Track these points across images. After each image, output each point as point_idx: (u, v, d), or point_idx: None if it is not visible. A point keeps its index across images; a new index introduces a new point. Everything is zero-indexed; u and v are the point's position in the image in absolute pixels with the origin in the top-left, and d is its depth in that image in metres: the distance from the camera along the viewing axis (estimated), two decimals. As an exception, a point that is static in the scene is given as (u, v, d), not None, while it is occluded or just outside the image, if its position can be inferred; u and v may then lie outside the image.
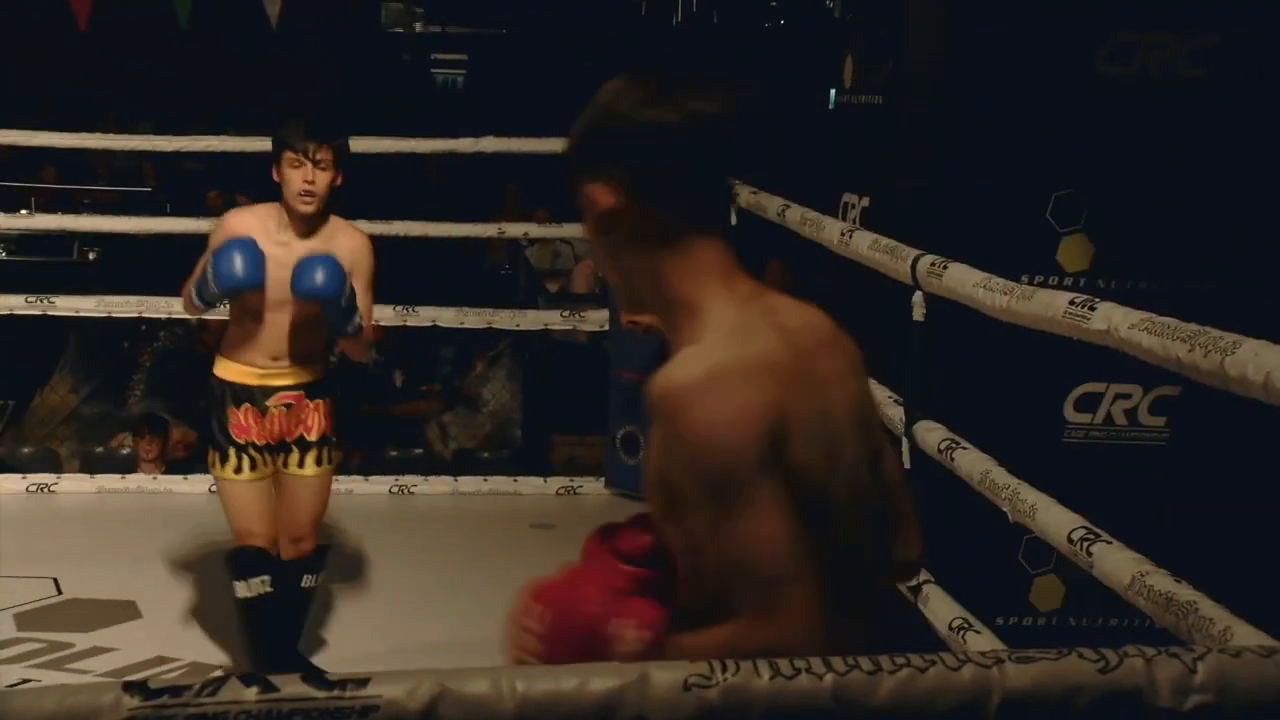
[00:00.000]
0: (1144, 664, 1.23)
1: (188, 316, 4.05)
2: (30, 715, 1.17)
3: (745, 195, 4.67)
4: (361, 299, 3.84)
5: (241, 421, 3.94)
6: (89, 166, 11.73)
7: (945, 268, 3.10)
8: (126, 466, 6.53)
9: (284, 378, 3.94)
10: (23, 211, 7.72)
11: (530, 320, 6.40)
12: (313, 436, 3.99)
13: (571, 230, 7.17)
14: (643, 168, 1.63)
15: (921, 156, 4.08)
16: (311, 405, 3.98)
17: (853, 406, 1.64)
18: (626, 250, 1.68)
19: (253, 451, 3.96)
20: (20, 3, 7.60)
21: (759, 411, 1.52)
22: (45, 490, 5.86)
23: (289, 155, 3.76)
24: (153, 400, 7.51)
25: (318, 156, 3.77)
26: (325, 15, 10.96)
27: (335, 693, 1.22)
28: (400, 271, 8.05)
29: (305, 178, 3.76)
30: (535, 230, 7.07)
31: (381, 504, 5.95)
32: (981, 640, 3.00)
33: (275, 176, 3.83)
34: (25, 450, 7.18)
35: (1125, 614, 2.59)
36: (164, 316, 6.20)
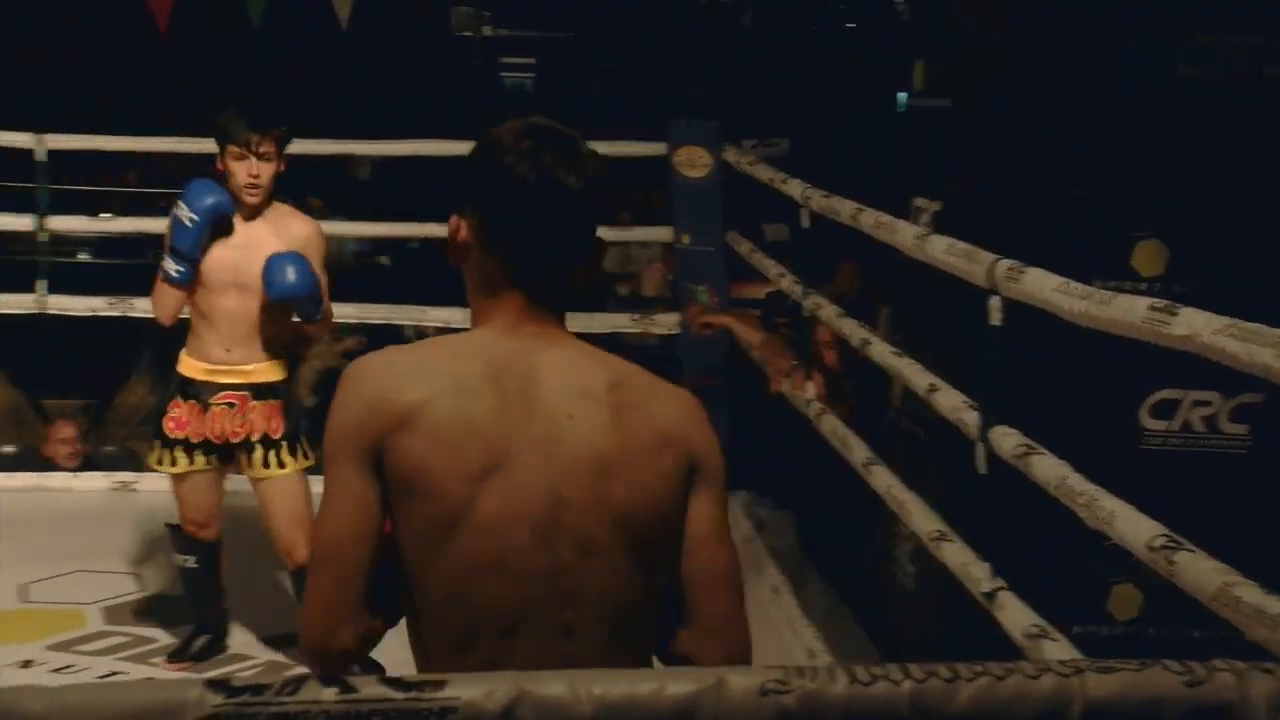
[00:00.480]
0: (1235, 679, 1.20)
1: (159, 319, 3.99)
2: (121, 709, 1.19)
3: (818, 199, 4.66)
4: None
5: (180, 416, 3.94)
6: (167, 171, 11.87)
7: (1023, 272, 3.07)
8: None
9: (231, 376, 3.91)
10: (104, 215, 7.82)
11: (600, 323, 6.40)
12: (276, 435, 3.93)
13: (642, 233, 7.19)
14: (495, 216, 1.75)
15: (991, 160, 4.05)
16: (259, 406, 3.91)
17: (584, 450, 1.67)
18: (468, 277, 1.79)
19: (184, 449, 3.94)
20: (102, 9, 7.73)
21: (365, 408, 1.68)
22: (127, 488, 5.95)
23: (232, 148, 3.79)
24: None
25: (261, 149, 3.78)
26: (395, 18, 11.03)
27: (413, 694, 1.23)
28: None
29: (250, 170, 3.78)
30: (606, 233, 7.07)
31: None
32: (1058, 649, 2.97)
33: (220, 167, 3.84)
34: (107, 449, 7.29)
35: (1209, 625, 2.54)
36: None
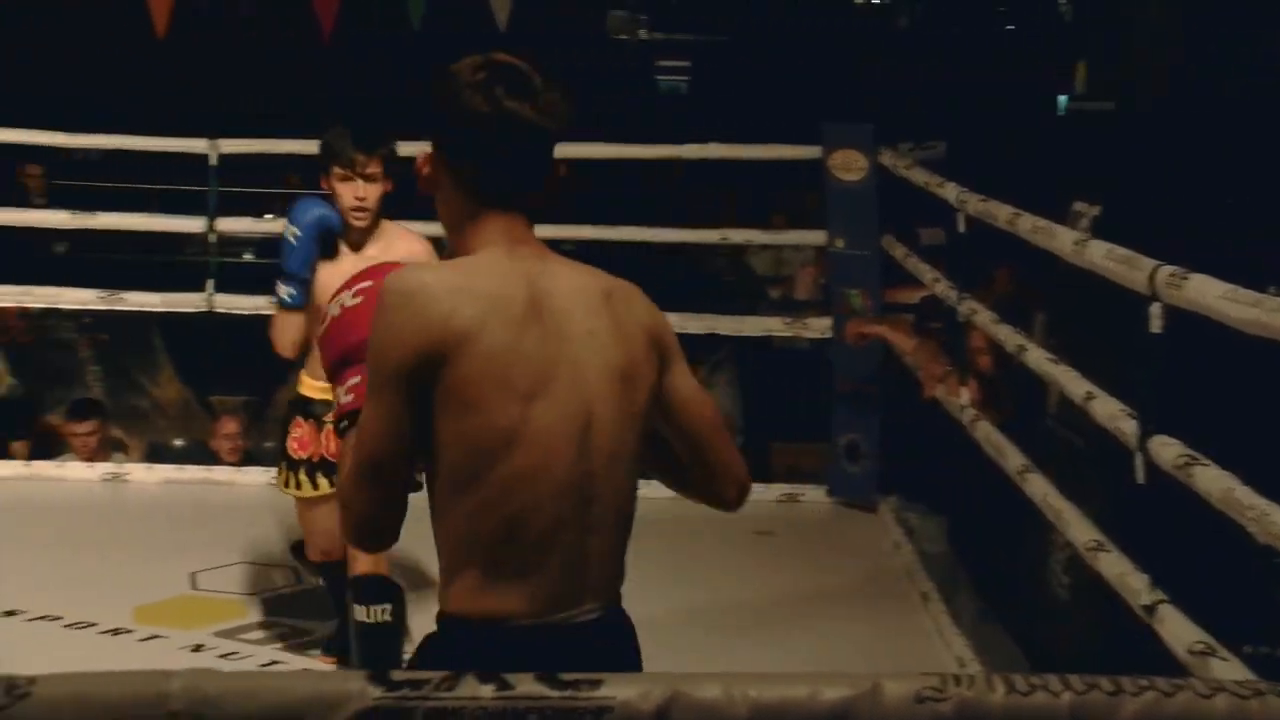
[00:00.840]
0: None
1: (279, 350, 3.89)
2: (287, 696, 1.23)
3: (974, 203, 4.60)
4: None
5: (302, 436, 3.89)
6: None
7: (1185, 278, 2.99)
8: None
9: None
10: (267, 216, 8.03)
11: (752, 326, 6.40)
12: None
13: (795, 237, 7.16)
14: (454, 147, 1.91)
15: (1157, 164, 3.96)
16: None
17: (606, 365, 1.86)
18: (440, 206, 1.95)
19: (307, 471, 3.87)
20: (269, 18, 7.95)
21: (418, 328, 1.78)
22: (284, 484, 6.10)
23: (337, 170, 3.65)
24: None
25: (367, 170, 3.63)
26: (552, 22, 11.15)
27: (569, 693, 1.25)
28: (624, 276, 8.17)
29: (356, 193, 3.63)
30: (759, 236, 7.07)
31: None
32: (1229, 669, 2.88)
33: (324, 187, 3.72)
34: (268, 445, 7.46)
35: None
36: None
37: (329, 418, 3.66)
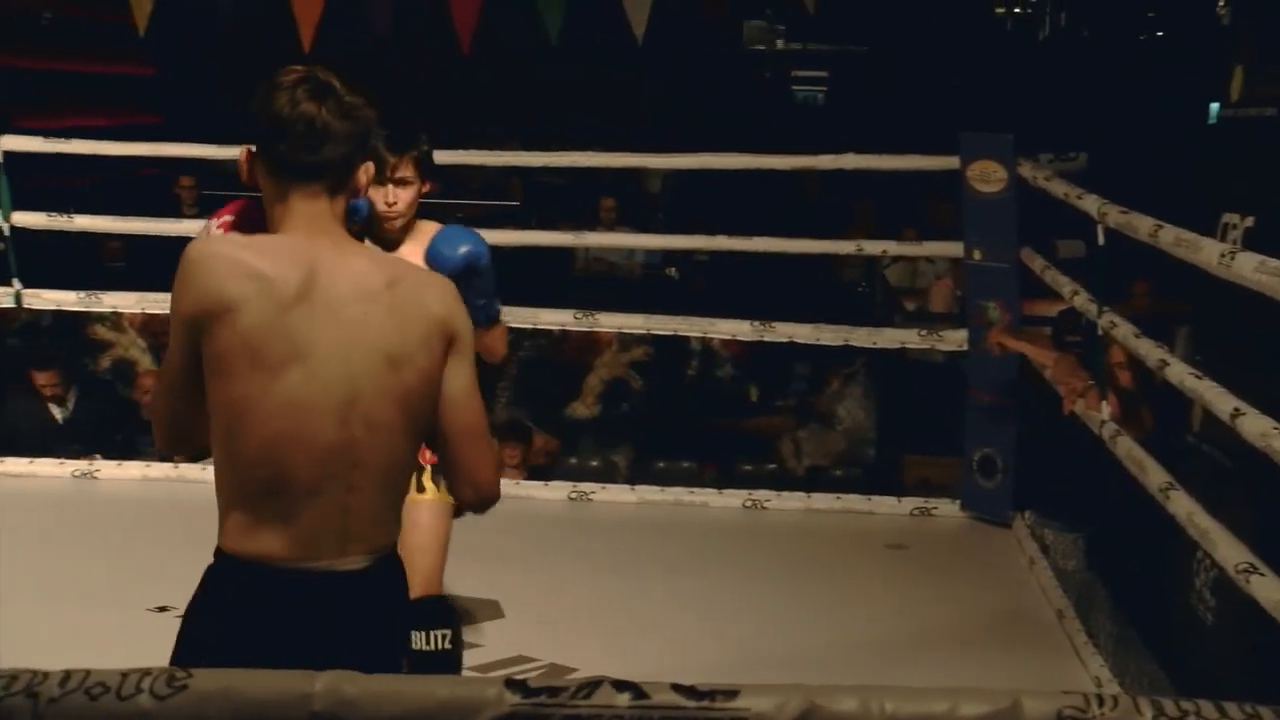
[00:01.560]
0: None
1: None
2: (425, 700, 1.25)
3: (1114, 215, 4.51)
4: None
5: None
6: (462, 181, 12.31)
7: (1340, 293, 2.90)
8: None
9: None
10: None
11: (887, 338, 6.35)
12: (426, 462, 3.50)
13: (931, 248, 7.09)
14: (262, 142, 2.17)
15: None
16: None
17: (372, 346, 2.08)
18: (263, 195, 2.21)
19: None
20: (411, 31, 8.08)
21: (195, 295, 2.06)
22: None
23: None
24: (516, 407, 7.81)
25: (398, 174, 3.50)
26: (687, 33, 11.16)
27: (705, 703, 1.25)
28: (758, 287, 8.15)
29: (386, 198, 3.50)
30: (894, 248, 7.01)
31: (735, 517, 6.01)
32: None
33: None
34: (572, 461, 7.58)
35: None
36: (529, 326, 6.46)
37: None
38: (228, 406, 2.07)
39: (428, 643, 3.50)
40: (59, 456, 6.38)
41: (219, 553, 2.15)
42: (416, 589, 3.32)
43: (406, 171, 3.50)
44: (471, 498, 2.26)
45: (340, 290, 2.09)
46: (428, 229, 3.58)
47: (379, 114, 2.26)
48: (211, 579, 2.16)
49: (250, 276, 2.05)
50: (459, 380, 2.17)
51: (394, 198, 3.49)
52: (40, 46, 9.55)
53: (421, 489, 3.59)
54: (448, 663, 3.55)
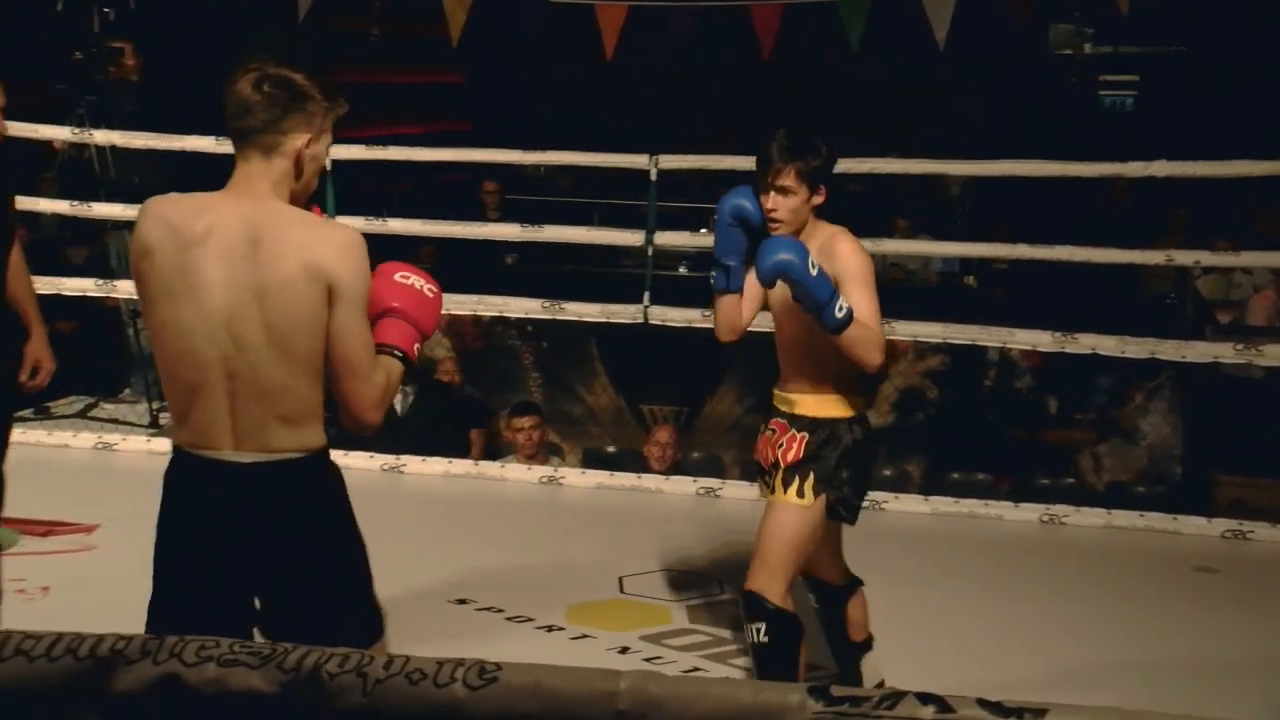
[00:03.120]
0: None
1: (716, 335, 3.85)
2: (729, 704, 1.25)
3: None
4: (853, 296, 3.51)
5: (757, 443, 3.86)
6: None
7: None
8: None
9: (782, 404, 3.76)
10: (703, 231, 8.24)
11: (1198, 352, 6.07)
12: (784, 463, 3.67)
13: (1250, 259, 6.75)
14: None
15: None
16: (791, 435, 3.70)
17: (249, 282, 2.56)
18: None
19: (764, 476, 3.83)
20: (713, 37, 8.16)
21: (141, 235, 2.61)
22: (712, 494, 6.24)
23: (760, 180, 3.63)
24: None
25: (780, 181, 3.56)
26: (993, 36, 10.93)
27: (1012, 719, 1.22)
28: (1060, 297, 7.91)
29: (768, 204, 3.59)
30: (1208, 258, 6.70)
31: (1031, 532, 5.85)
32: None
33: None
34: (695, 455, 7.65)
35: None
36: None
37: (769, 424, 3.79)
38: (152, 329, 2.65)
39: (747, 635, 3.69)
40: (400, 447, 6.62)
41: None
42: (748, 580, 3.66)
43: (788, 180, 3.56)
44: (349, 425, 2.70)
45: (231, 236, 2.57)
46: (825, 232, 3.64)
47: (318, 91, 2.67)
48: (169, 464, 2.72)
49: (166, 224, 2.59)
50: (336, 321, 2.58)
51: (774, 204, 3.58)
52: (367, 61, 10.05)
53: (773, 489, 3.70)
54: (768, 655, 3.65)
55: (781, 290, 3.63)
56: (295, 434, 2.61)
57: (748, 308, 3.83)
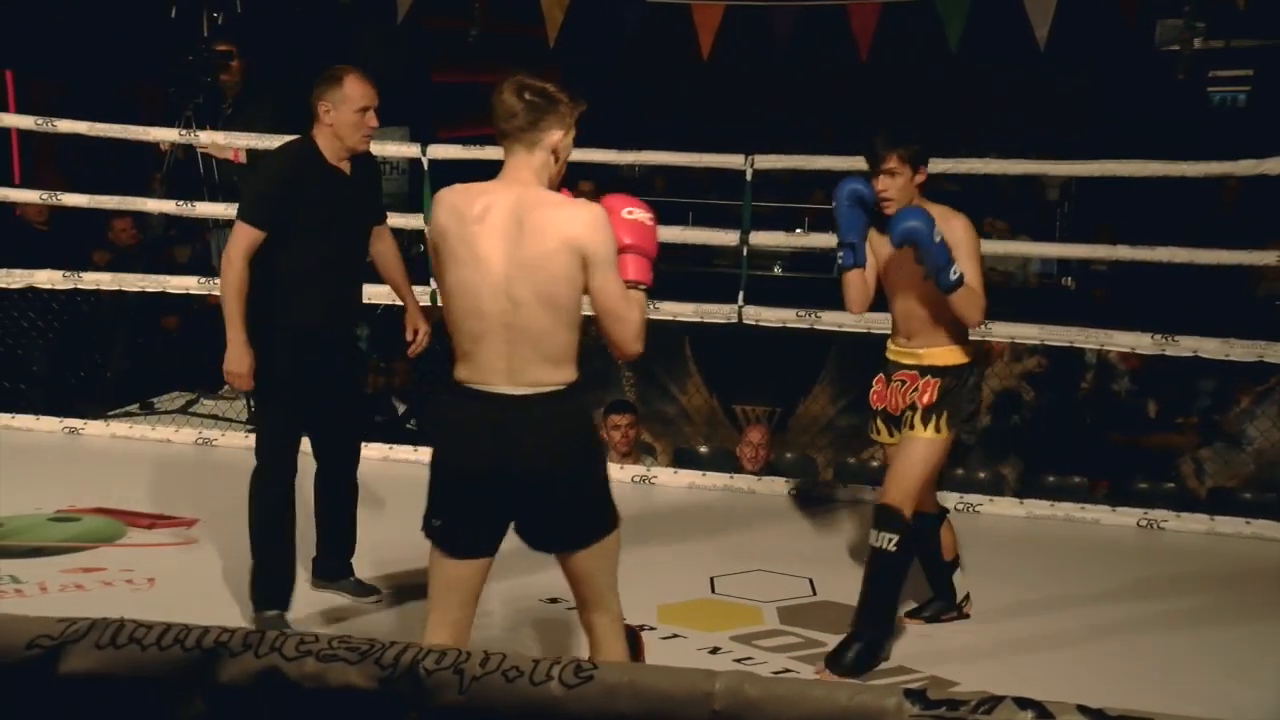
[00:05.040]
0: None
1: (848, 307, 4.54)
2: (825, 706, 1.25)
3: None
4: (962, 264, 4.16)
5: (879, 390, 4.50)
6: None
7: None
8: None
9: (908, 358, 4.42)
10: (797, 231, 8.22)
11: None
12: (922, 404, 4.33)
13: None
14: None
15: None
16: (924, 382, 4.36)
17: (519, 251, 3.12)
18: None
19: (881, 419, 4.50)
20: (810, 37, 8.12)
21: (435, 219, 3.22)
22: (804, 494, 6.21)
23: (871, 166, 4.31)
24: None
25: (886, 166, 4.24)
26: (1096, 34, 10.77)
27: (1114, 729, 1.20)
28: (1162, 299, 7.78)
29: (878, 185, 4.26)
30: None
31: (1129, 537, 5.76)
32: None
33: None
34: (788, 456, 7.62)
35: None
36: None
37: (895, 377, 4.45)
38: (444, 291, 3.23)
39: (876, 540, 4.28)
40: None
41: (449, 379, 3.26)
42: (883, 497, 4.34)
43: (892, 164, 4.24)
44: (620, 357, 3.31)
45: (503, 215, 3.14)
46: (936, 210, 4.24)
47: (565, 95, 3.20)
48: (446, 395, 3.28)
49: (453, 207, 3.19)
50: (594, 281, 3.13)
51: (884, 185, 4.25)
52: (464, 62, 10.14)
53: (912, 426, 4.34)
54: (891, 563, 4.29)
55: (900, 259, 4.33)
56: (555, 371, 3.17)
57: (871, 280, 4.47)
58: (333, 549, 4.77)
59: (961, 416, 4.46)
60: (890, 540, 4.25)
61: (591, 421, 3.43)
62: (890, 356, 4.49)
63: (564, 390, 3.19)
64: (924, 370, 4.37)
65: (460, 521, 3.25)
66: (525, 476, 3.16)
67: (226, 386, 5.82)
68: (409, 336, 4.67)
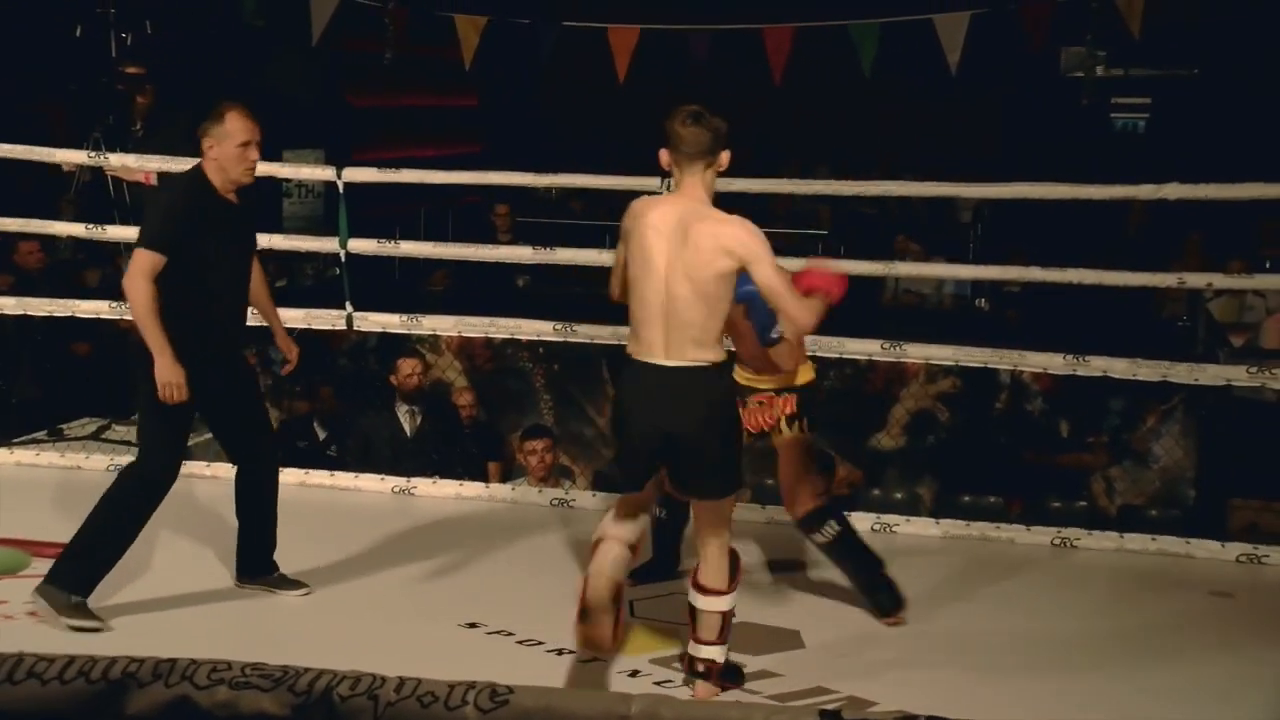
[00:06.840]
0: None
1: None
2: (738, 729, 1.25)
3: None
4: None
5: (746, 418, 4.83)
6: (770, 209, 12.36)
7: None
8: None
9: (768, 382, 4.86)
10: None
11: (1211, 375, 6.04)
12: (786, 413, 4.85)
13: (1266, 281, 6.73)
14: (667, 144, 4.04)
15: None
16: (786, 398, 4.85)
17: (680, 255, 3.85)
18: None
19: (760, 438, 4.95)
20: (727, 61, 8.19)
21: (624, 223, 3.99)
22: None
23: None
24: (819, 438, 7.77)
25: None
26: (1001, 61, 10.96)
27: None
28: (1072, 320, 7.90)
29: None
30: (1220, 280, 6.68)
31: (1043, 555, 5.83)
32: None
33: None
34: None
35: None
36: (835, 355, 6.40)
37: (754, 400, 4.89)
38: (628, 281, 3.96)
39: (819, 540, 4.89)
40: (408, 469, 6.74)
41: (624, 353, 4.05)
42: (793, 512, 4.92)
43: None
44: (790, 331, 4.32)
45: (671, 225, 3.86)
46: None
47: (723, 122, 3.90)
48: (622, 367, 4.05)
49: (638, 216, 3.93)
50: (758, 276, 3.84)
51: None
52: (379, 85, 10.09)
53: (781, 433, 4.88)
54: (849, 538, 4.91)
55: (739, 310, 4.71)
56: (702, 351, 3.90)
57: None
58: (255, 545, 4.94)
59: (814, 417, 4.94)
60: (826, 532, 4.85)
61: (730, 394, 4.11)
62: (744, 384, 4.87)
63: (708, 366, 3.90)
64: (779, 390, 4.89)
65: (624, 462, 4.11)
66: (671, 431, 3.92)
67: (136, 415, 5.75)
68: (283, 358, 5.06)
